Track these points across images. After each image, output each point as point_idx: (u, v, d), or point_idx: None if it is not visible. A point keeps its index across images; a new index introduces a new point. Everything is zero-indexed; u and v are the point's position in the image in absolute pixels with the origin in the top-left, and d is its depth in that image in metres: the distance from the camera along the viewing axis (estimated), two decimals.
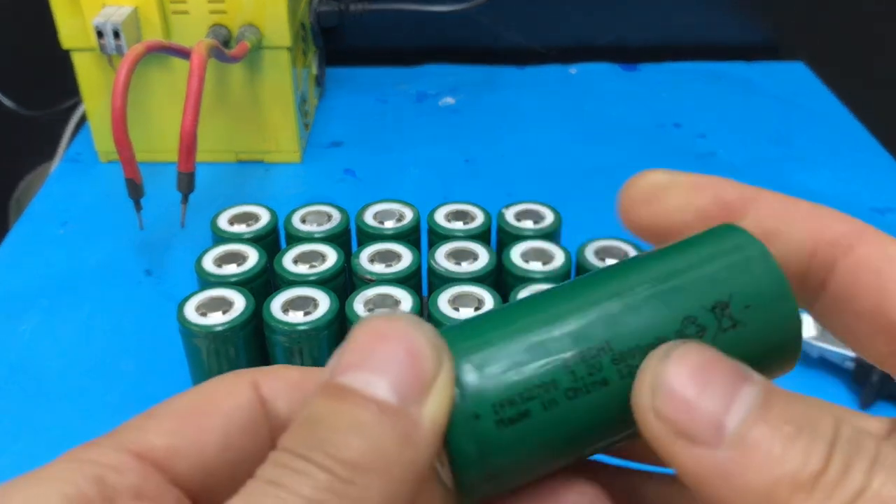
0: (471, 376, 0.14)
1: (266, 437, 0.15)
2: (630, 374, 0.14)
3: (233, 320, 0.34)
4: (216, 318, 0.34)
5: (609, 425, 0.14)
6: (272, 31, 0.50)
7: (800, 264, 0.16)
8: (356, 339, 0.14)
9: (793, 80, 0.66)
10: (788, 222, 0.16)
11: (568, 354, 0.14)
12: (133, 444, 0.14)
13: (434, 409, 0.13)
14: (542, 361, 0.14)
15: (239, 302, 0.35)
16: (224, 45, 0.49)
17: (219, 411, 0.15)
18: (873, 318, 0.15)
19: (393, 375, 0.13)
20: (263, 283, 0.37)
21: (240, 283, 0.36)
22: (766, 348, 0.15)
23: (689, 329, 0.14)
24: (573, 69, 0.68)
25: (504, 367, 0.14)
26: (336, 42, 0.68)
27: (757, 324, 0.15)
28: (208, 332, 0.33)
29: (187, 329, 0.34)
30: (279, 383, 0.16)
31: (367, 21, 0.63)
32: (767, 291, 0.15)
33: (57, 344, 0.41)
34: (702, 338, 0.14)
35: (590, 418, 0.14)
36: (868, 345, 0.16)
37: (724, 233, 0.15)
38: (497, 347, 0.14)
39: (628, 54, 0.70)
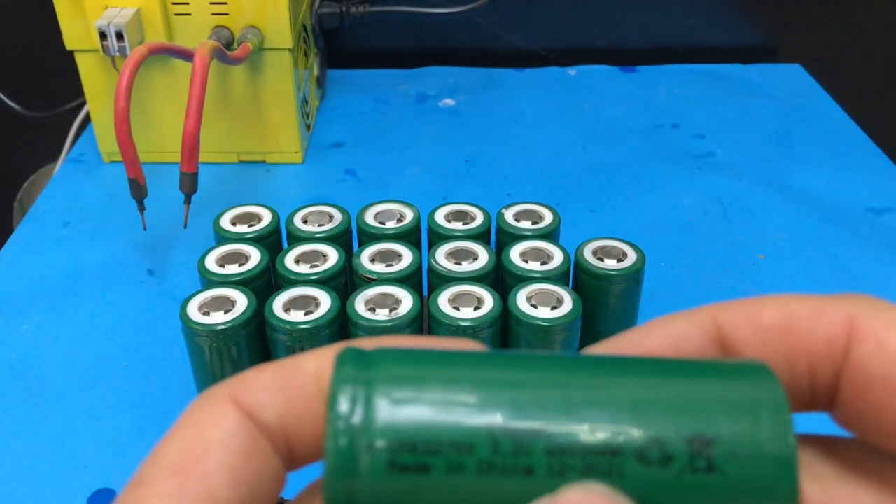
0: (382, 402, 0.12)
1: (269, 451, 0.14)
2: (561, 474, 0.12)
3: (235, 319, 0.34)
4: (218, 318, 0.34)
5: None
6: (274, 32, 0.51)
7: (800, 384, 0.14)
8: (565, 501, 0.12)
9: (790, 82, 0.67)
10: (762, 347, 0.14)
11: (499, 423, 0.12)
12: None
13: None
14: (467, 418, 0.12)
15: (241, 301, 0.35)
16: (226, 47, 0.49)
17: (215, 445, 0.13)
18: (892, 424, 0.13)
19: None
20: (265, 283, 0.38)
21: (242, 283, 0.36)
22: None
23: (653, 453, 0.12)
24: (572, 71, 0.69)
25: (421, 407, 0.12)
26: (337, 44, 0.68)
27: (738, 480, 0.12)
28: (210, 331, 0.34)
29: (190, 328, 0.34)
30: (258, 392, 0.14)
31: (367, 23, 0.63)
32: (766, 449, 0.12)
33: (59, 343, 0.41)
34: (665, 467, 0.12)
35: None
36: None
37: (748, 368, 0.13)
38: (425, 386, 0.12)
39: (627, 56, 0.70)
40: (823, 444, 0.15)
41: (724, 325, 0.15)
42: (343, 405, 0.12)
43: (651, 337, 0.15)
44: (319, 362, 0.14)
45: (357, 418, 0.12)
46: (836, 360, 0.14)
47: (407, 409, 0.12)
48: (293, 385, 0.14)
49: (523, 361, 0.13)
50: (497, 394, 0.12)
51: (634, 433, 0.12)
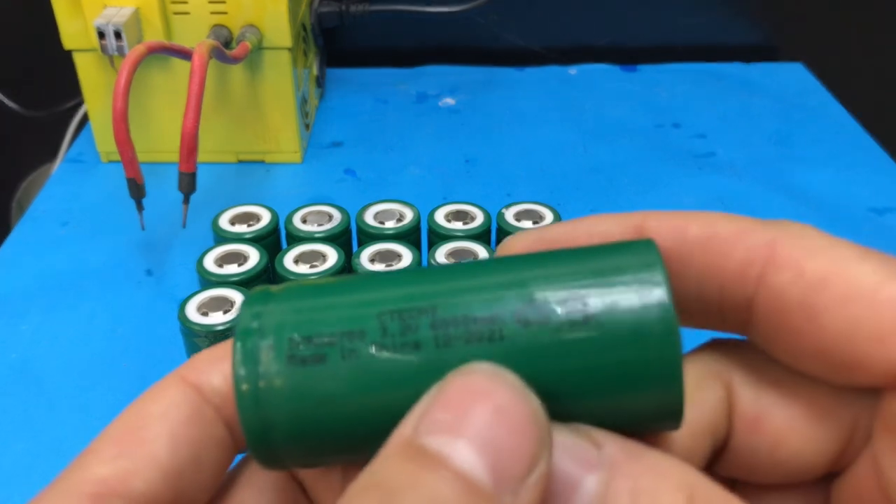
0: (279, 311, 0.13)
1: (213, 418, 0.15)
2: (447, 345, 0.12)
3: (234, 319, 0.34)
4: (217, 318, 0.34)
5: (407, 400, 0.12)
6: (273, 31, 0.50)
7: (709, 302, 0.14)
8: (449, 393, 0.12)
9: (792, 80, 0.67)
10: (680, 259, 0.14)
11: (386, 308, 0.13)
12: (81, 485, 0.13)
13: (528, 502, 0.11)
14: (356, 309, 0.13)
15: (240, 302, 0.35)
16: (225, 46, 0.49)
17: (156, 416, 0.14)
18: (809, 349, 0.13)
19: (491, 453, 0.11)
20: (264, 283, 0.37)
21: (241, 283, 0.36)
22: (625, 367, 0.12)
23: (530, 311, 0.12)
24: (572, 70, 0.68)
25: (313, 306, 0.13)
26: (336, 43, 0.68)
27: (614, 329, 0.12)
28: (209, 332, 0.33)
29: (188, 328, 0.34)
30: (201, 364, 0.15)
31: (367, 22, 0.63)
32: (639, 297, 0.12)
33: (58, 344, 0.41)
34: (543, 326, 0.12)
35: (388, 383, 0.13)
36: (814, 372, 0.14)
37: (633, 243, 0.14)
38: (319, 295, 0.14)
39: (628, 55, 0.70)
40: (759, 358, 0.15)
41: (648, 233, 0.15)
42: (244, 321, 0.13)
43: (577, 231, 0.15)
44: None
45: (256, 326, 0.13)
46: (748, 284, 0.14)
47: (301, 312, 0.13)
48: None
49: (424, 269, 0.14)
50: (386, 288, 0.13)
51: (512, 298, 0.13)
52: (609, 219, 0.15)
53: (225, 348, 0.15)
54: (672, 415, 0.13)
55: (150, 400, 0.14)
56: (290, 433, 0.13)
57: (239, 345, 0.13)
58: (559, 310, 0.12)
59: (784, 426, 0.14)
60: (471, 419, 0.11)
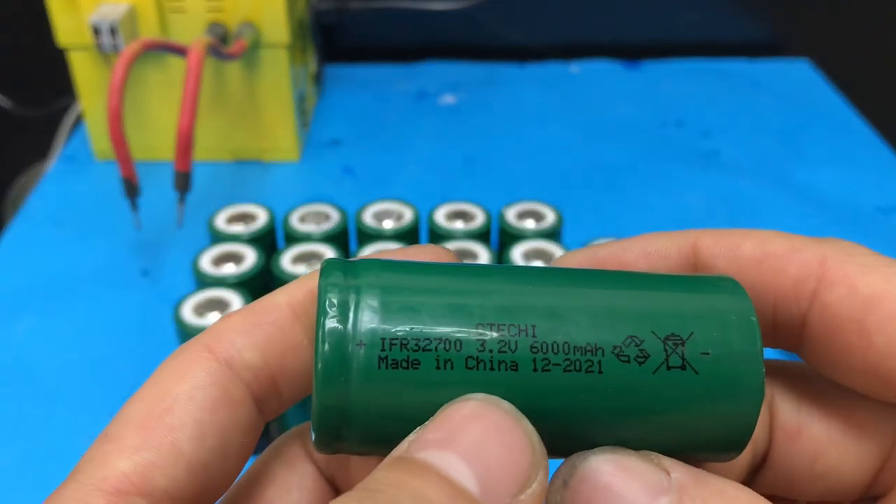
0: (372, 303, 0.13)
1: (242, 398, 0.14)
2: (544, 370, 0.12)
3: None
4: (213, 319, 0.33)
5: None
6: (270, 28, 0.50)
7: (762, 319, 0.15)
8: (442, 417, 0.12)
9: (797, 77, 0.66)
10: (734, 276, 0.15)
11: (486, 321, 0.13)
12: (101, 482, 0.12)
13: None
14: (454, 317, 0.13)
15: (237, 303, 0.34)
16: (222, 43, 0.48)
17: (180, 401, 0.13)
18: (859, 366, 0.14)
19: (482, 466, 0.11)
20: (261, 284, 0.37)
21: (237, 284, 0.36)
22: (710, 410, 0.13)
23: (630, 350, 0.13)
24: (574, 67, 0.68)
25: (410, 306, 0.13)
26: (335, 39, 0.67)
27: (709, 376, 0.13)
28: None
29: (184, 330, 0.33)
30: (231, 336, 0.14)
31: (366, 18, 0.62)
32: (734, 347, 0.13)
33: (52, 345, 0.40)
34: (642, 365, 0.13)
35: None
36: (862, 388, 0.14)
37: (718, 280, 0.14)
38: (412, 289, 0.13)
39: (630, 52, 0.69)
40: (801, 375, 0.15)
41: (702, 251, 0.15)
42: (333, 310, 0.13)
43: (631, 249, 0.15)
44: (289, 295, 0.14)
45: (347, 320, 0.12)
46: (802, 301, 0.14)
47: (396, 310, 0.13)
48: (267, 321, 0.14)
49: (507, 271, 0.14)
50: (484, 297, 0.13)
51: (613, 333, 0.13)
52: (662, 237, 0.15)
53: (256, 315, 0.14)
54: (733, 451, 0.14)
55: (175, 378, 0.13)
56: (364, 428, 0.13)
57: (324, 344, 0.12)
58: (659, 351, 0.13)
59: (823, 437, 0.15)
60: (463, 435, 0.12)
